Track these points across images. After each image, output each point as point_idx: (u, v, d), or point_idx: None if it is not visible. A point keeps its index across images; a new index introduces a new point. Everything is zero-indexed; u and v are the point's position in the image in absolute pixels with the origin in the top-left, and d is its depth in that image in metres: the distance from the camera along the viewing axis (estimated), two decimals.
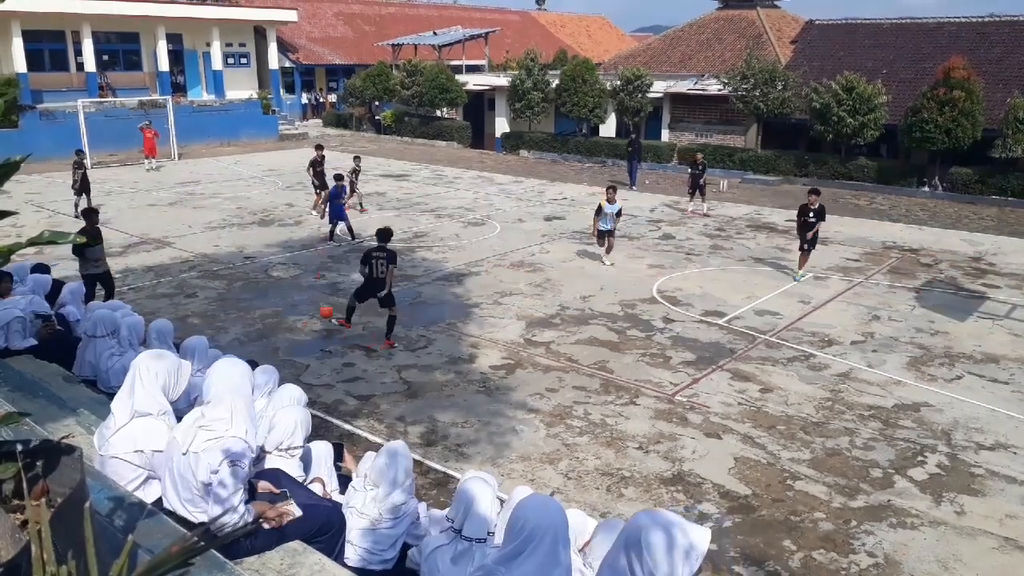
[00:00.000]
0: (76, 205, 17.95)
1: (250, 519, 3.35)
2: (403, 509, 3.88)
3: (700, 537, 2.42)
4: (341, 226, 16.12)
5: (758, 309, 12.29)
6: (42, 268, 8.36)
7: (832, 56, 27.83)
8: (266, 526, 3.44)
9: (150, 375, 3.70)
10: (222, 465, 3.26)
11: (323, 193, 17.97)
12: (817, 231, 13.81)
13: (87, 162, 19.47)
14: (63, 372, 5.46)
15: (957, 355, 10.48)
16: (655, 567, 2.36)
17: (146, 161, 25.96)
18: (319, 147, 19.92)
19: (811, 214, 13.70)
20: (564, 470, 7.37)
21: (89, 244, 10.24)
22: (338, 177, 16.55)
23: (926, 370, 9.96)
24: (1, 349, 6.06)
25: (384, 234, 10.65)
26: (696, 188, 19.77)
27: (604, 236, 14.66)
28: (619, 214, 14.64)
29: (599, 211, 14.43)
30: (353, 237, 16.20)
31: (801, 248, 13.98)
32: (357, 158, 19.44)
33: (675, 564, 2.38)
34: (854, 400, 9.02)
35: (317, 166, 18.91)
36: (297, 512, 3.55)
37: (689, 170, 20.16)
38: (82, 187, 18.29)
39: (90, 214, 11.00)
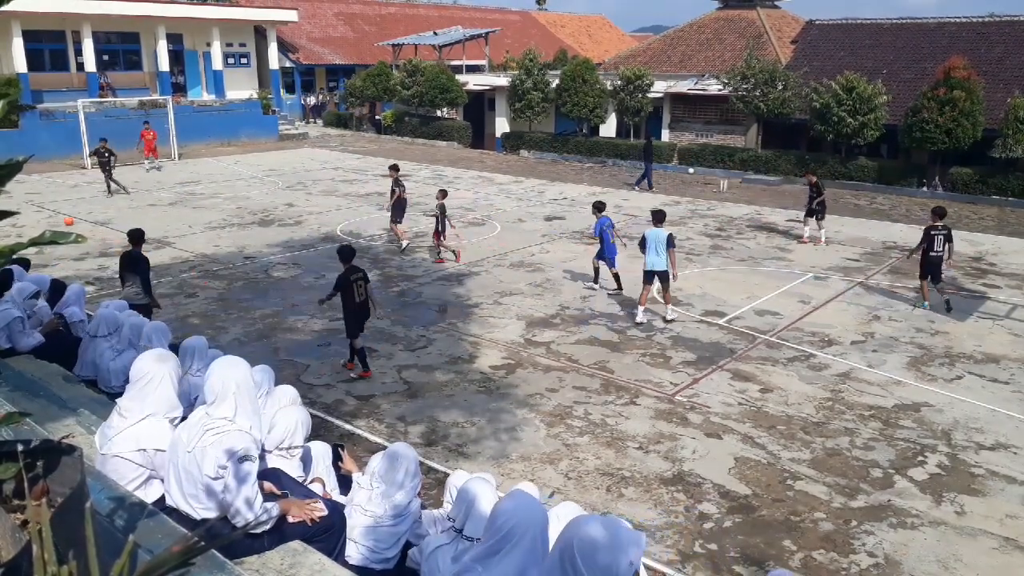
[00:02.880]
0: (109, 186, 21.32)
1: (273, 514, 3.36)
2: (406, 509, 3.88)
3: (635, 543, 2.51)
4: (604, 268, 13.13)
5: (758, 309, 12.29)
6: (20, 262, 8.24)
7: (832, 56, 27.83)
8: (291, 519, 3.46)
9: (163, 375, 3.73)
10: (231, 460, 3.27)
11: (400, 225, 15.66)
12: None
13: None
14: (63, 372, 5.46)
15: (957, 355, 10.47)
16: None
17: (146, 161, 25.98)
18: (394, 167, 16.23)
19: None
20: (564, 470, 7.37)
21: (133, 269, 9.48)
22: (600, 206, 13.19)
23: (926, 370, 9.96)
24: (5, 349, 6.05)
25: (348, 253, 9.43)
26: (816, 211, 16.55)
27: (651, 281, 11.26)
28: (672, 243, 11.13)
29: (643, 243, 11.31)
30: (619, 286, 12.98)
31: (934, 279, 12.22)
32: (443, 193, 15.10)
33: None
34: (854, 400, 9.02)
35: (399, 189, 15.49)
36: (324, 511, 3.58)
37: (809, 192, 16.77)
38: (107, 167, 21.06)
39: (134, 239, 9.68)
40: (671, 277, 11.33)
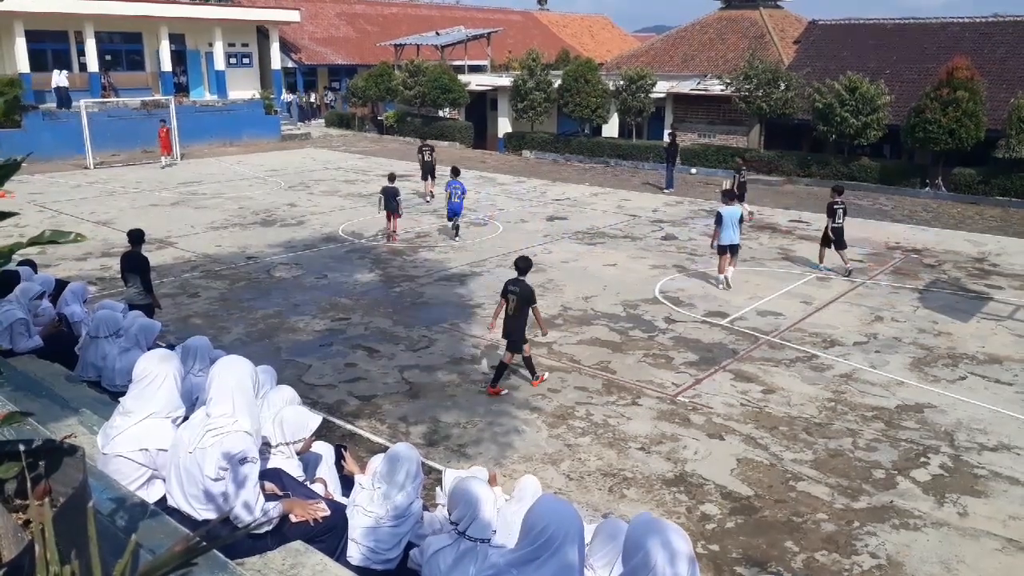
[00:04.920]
0: None
1: (274, 515, 3.36)
2: (407, 510, 3.87)
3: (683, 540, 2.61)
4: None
5: (761, 310, 12.28)
6: (27, 263, 8.29)
7: (835, 56, 27.79)
8: (294, 519, 3.46)
9: (165, 375, 3.74)
10: (231, 462, 3.27)
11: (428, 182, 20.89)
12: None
13: None
14: (65, 372, 5.48)
15: (960, 356, 10.45)
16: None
17: (163, 159, 26.51)
18: (423, 136, 23.30)
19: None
20: (566, 471, 7.37)
21: (133, 269, 9.44)
22: (456, 171, 16.61)
23: (929, 371, 9.94)
24: (6, 350, 6.05)
25: (522, 264, 9.06)
26: (741, 193, 18.40)
27: (725, 252, 13.11)
28: (742, 219, 13.47)
29: (719, 220, 12.96)
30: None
31: (837, 246, 14.31)
32: (392, 176, 17.19)
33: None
34: (857, 401, 9.00)
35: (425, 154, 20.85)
36: (326, 511, 3.57)
37: (739, 177, 18.99)
38: None
39: (133, 240, 9.63)
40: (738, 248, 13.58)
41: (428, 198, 20.69)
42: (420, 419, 8.37)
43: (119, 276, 10.26)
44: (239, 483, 3.28)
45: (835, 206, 14.21)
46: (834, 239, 14.23)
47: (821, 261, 14.58)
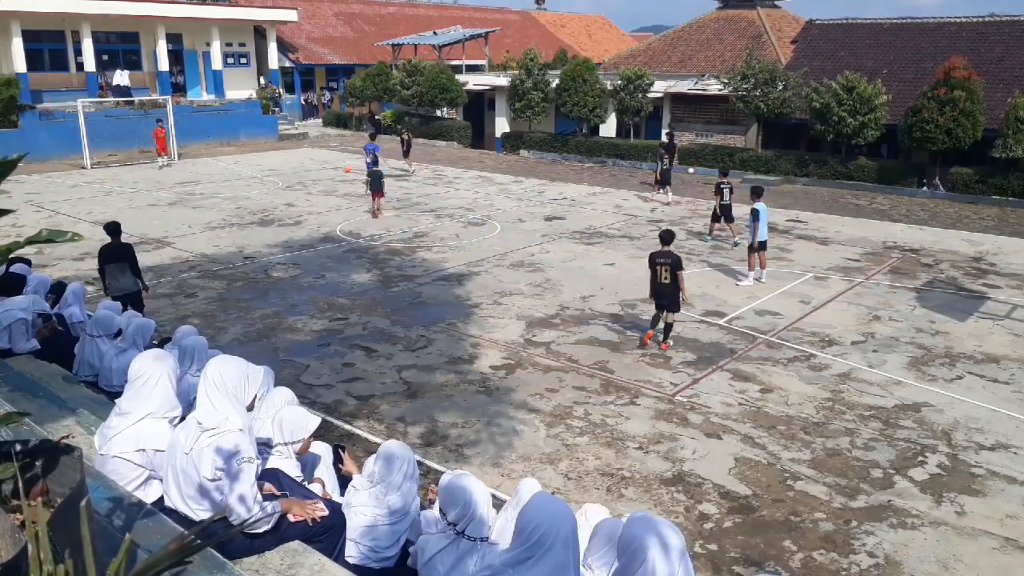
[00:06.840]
0: None
1: (270, 511, 3.35)
2: (406, 509, 3.87)
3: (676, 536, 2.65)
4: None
5: (758, 309, 12.28)
6: (22, 261, 8.30)
7: (832, 56, 27.82)
8: (292, 519, 3.46)
9: (160, 375, 3.74)
10: (227, 460, 3.26)
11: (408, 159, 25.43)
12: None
13: None
14: (63, 372, 5.47)
15: (958, 355, 10.47)
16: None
17: (159, 159, 26.42)
18: (407, 130, 27.51)
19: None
20: (564, 470, 7.37)
21: (121, 260, 9.48)
22: (373, 136, 23.00)
23: (927, 370, 9.95)
24: (4, 350, 6.05)
25: (666, 236, 10.45)
26: (665, 178, 21.42)
27: (759, 249, 13.66)
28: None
29: (756, 216, 13.41)
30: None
31: (726, 220, 16.60)
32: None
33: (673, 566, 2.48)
34: (855, 400, 9.01)
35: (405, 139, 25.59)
36: (325, 511, 3.57)
37: (662, 163, 21.55)
38: None
39: (112, 231, 9.73)
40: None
41: (410, 170, 25.30)
42: (418, 419, 8.37)
43: (98, 271, 9.92)
44: (235, 479, 3.27)
45: (722, 186, 16.26)
46: (723, 215, 16.40)
47: (710, 234, 16.88)
